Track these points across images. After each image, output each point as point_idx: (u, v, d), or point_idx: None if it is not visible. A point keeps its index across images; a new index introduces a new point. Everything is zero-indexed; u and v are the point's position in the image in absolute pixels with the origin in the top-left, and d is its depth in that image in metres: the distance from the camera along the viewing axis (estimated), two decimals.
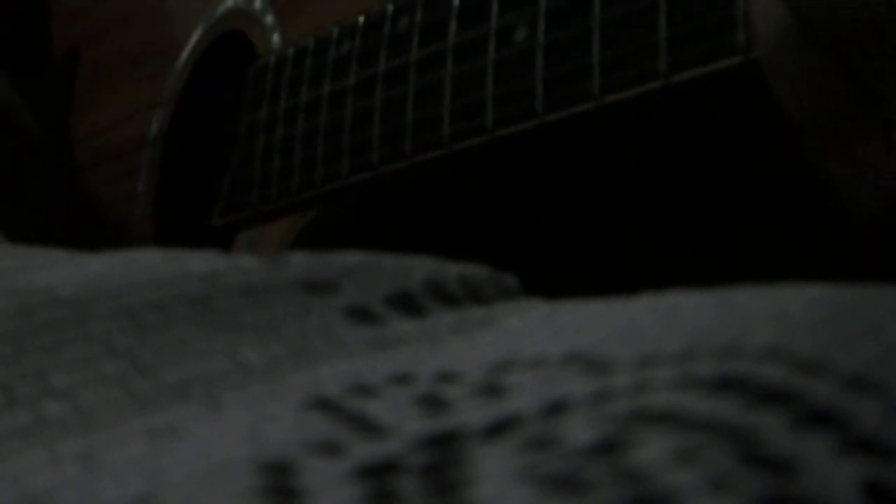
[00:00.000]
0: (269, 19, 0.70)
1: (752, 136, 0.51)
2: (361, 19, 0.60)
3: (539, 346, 0.21)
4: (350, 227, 0.63)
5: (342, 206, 0.62)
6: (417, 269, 0.26)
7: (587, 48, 0.47)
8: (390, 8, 0.58)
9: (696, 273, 0.54)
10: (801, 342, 0.18)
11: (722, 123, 0.52)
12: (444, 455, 0.17)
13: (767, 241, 0.52)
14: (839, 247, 0.48)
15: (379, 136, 0.57)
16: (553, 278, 0.35)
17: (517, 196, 0.59)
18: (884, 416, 0.17)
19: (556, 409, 0.18)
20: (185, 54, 0.78)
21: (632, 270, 0.56)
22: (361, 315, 0.24)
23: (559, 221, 0.58)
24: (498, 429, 0.17)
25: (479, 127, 0.51)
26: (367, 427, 0.18)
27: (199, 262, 0.26)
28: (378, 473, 0.16)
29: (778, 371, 0.18)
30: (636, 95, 0.45)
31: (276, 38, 0.69)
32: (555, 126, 0.49)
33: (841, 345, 0.18)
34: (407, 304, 0.25)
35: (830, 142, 0.37)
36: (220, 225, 0.69)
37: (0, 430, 0.20)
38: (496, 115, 0.51)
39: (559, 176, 0.57)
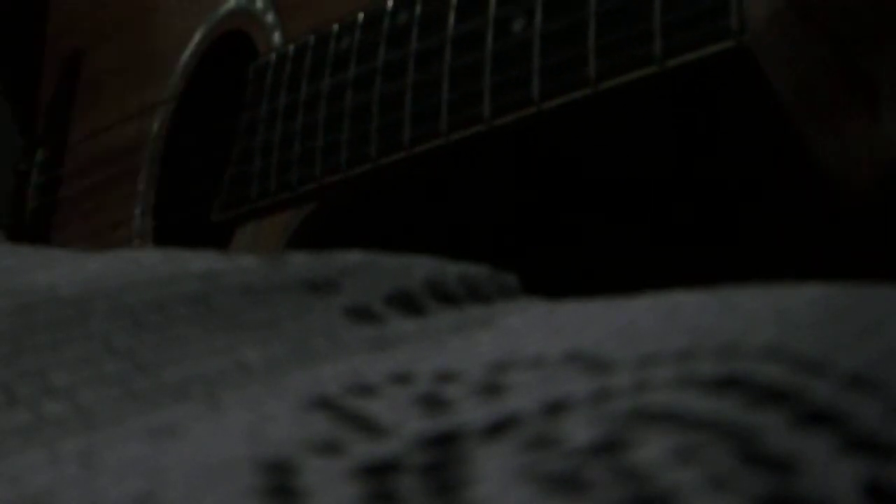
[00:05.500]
0: (269, 18, 0.71)
1: (747, 119, 0.51)
2: (361, 15, 0.60)
3: (539, 345, 0.21)
4: (349, 219, 0.64)
5: (341, 199, 0.62)
6: (418, 268, 0.26)
7: (583, 36, 0.47)
8: (390, 3, 0.58)
9: (691, 258, 0.54)
10: (802, 342, 0.18)
11: (718, 108, 0.52)
12: (443, 455, 0.17)
13: (760, 223, 0.53)
14: (836, 239, 0.48)
15: (377, 128, 0.57)
16: (552, 277, 0.35)
17: (515, 187, 0.59)
18: (884, 416, 0.17)
19: (556, 408, 0.18)
20: (186, 54, 0.78)
21: (631, 256, 0.56)
22: (362, 314, 0.24)
23: (558, 211, 0.58)
24: (498, 428, 0.17)
25: (477, 116, 0.52)
26: (367, 426, 0.18)
27: (198, 261, 0.26)
28: (378, 473, 0.16)
29: (778, 370, 0.18)
30: (632, 81, 0.45)
31: (276, 36, 0.69)
32: (552, 114, 0.49)
33: (841, 344, 0.18)
34: (407, 303, 0.25)
35: (819, 117, 0.38)
36: (219, 220, 0.69)
37: (0, 429, 0.20)
38: (493, 104, 0.51)
39: (556, 166, 0.57)
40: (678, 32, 0.44)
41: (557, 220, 0.58)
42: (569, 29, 0.48)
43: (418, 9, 0.57)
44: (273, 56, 0.67)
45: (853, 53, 0.37)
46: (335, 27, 0.62)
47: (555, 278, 0.35)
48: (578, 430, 0.17)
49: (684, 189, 0.55)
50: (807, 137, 0.39)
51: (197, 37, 0.78)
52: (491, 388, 0.19)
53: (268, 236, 0.66)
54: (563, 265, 0.57)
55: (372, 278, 0.25)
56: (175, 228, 0.79)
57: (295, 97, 0.63)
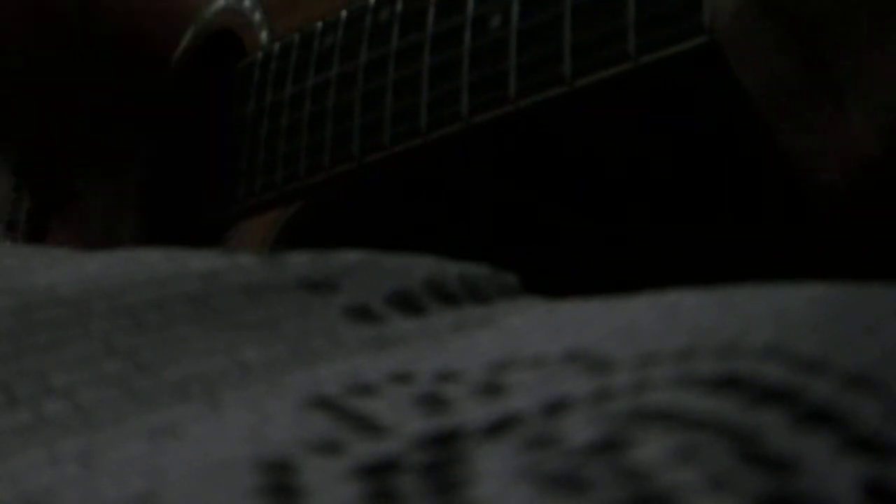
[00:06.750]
0: (257, 17, 0.71)
1: (722, 116, 0.51)
2: (344, 13, 0.61)
3: (539, 344, 0.21)
4: (334, 218, 0.64)
5: (326, 198, 0.63)
6: (418, 268, 0.26)
7: (559, 33, 0.47)
8: (372, 0, 0.59)
9: (675, 259, 0.54)
10: (802, 341, 0.18)
11: (693, 105, 0.52)
12: (443, 454, 0.17)
13: (739, 223, 0.53)
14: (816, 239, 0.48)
15: (359, 126, 0.57)
16: (552, 277, 0.35)
17: (495, 185, 0.59)
18: (884, 416, 0.17)
19: (556, 407, 0.18)
20: (177, 53, 0.78)
21: (611, 256, 0.56)
22: (361, 314, 0.24)
23: (537, 209, 0.59)
24: (498, 428, 0.17)
25: (455, 115, 0.52)
26: (366, 426, 0.18)
27: (198, 260, 0.26)
28: (378, 472, 0.16)
29: (778, 370, 0.18)
30: (606, 78, 0.46)
31: (264, 35, 0.70)
32: (528, 112, 0.49)
33: (841, 344, 0.18)
34: (407, 303, 0.25)
35: (787, 114, 0.38)
36: (208, 221, 0.69)
37: (0, 429, 0.20)
38: (471, 102, 0.51)
39: (536, 163, 0.58)
40: (651, 29, 0.44)
41: (541, 216, 0.59)
42: (544, 26, 0.48)
43: (399, 6, 0.57)
44: (259, 55, 0.67)
45: (818, 47, 0.37)
46: (319, 25, 0.62)
47: (554, 278, 0.35)
48: (578, 430, 0.17)
49: (661, 185, 0.55)
50: (775, 133, 0.39)
51: (188, 35, 0.78)
52: (491, 388, 0.19)
53: (254, 236, 0.66)
54: (557, 264, 0.58)
55: (372, 278, 0.25)
56: (166, 228, 0.79)
57: (280, 96, 0.64)
